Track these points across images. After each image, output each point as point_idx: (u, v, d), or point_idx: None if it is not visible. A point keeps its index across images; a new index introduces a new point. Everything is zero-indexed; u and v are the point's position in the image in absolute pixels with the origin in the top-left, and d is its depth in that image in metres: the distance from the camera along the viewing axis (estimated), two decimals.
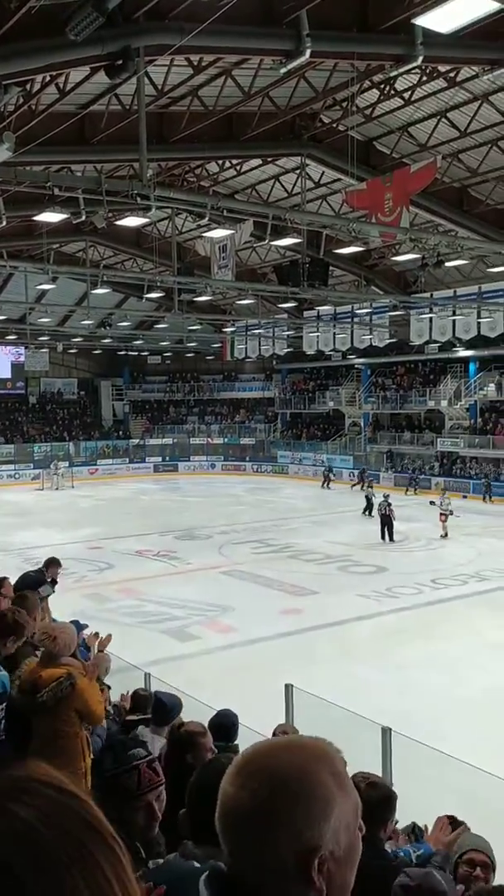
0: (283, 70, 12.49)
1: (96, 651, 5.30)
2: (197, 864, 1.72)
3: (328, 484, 34.92)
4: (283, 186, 24.92)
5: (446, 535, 21.48)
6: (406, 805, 4.03)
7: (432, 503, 23.47)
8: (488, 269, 25.26)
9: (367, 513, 25.34)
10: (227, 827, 1.01)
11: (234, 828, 1.00)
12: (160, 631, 12.84)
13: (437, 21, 7.81)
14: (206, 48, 13.01)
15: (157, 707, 4.49)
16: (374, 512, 23.37)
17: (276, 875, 0.98)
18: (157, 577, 17.09)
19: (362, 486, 30.52)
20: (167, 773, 3.11)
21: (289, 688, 6.07)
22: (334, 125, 20.20)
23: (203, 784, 2.08)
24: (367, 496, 26.10)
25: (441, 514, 21.66)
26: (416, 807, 4.10)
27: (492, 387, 34.52)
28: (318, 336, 35.25)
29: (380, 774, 4.98)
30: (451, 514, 21.53)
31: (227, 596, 15.24)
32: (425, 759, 5.46)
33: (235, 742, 4.17)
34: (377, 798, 3.04)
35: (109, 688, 5.74)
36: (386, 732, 5.02)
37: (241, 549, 20.29)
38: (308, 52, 11.50)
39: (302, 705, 6.11)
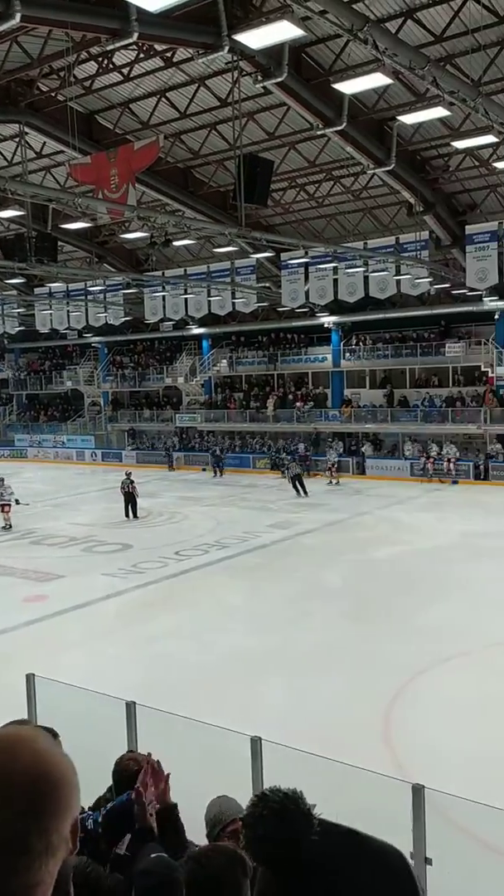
0: None
1: None
2: None
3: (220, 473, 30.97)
4: (1, 155, 23.62)
5: (9, 526, 19.93)
6: None
7: None
8: (214, 250, 26.22)
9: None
10: None
11: None
12: None
13: None
14: None
15: None
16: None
17: (52, 867, 1.00)
18: None
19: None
20: None
21: (30, 678, 5.91)
22: (53, 94, 19.54)
23: None
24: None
25: (3, 505, 19.94)
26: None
27: (224, 363, 36.11)
28: (51, 314, 34.15)
29: (125, 748, 5.08)
30: (17, 502, 20.18)
31: None
32: (171, 726, 5.65)
33: None
34: None
35: None
36: (130, 707, 5.13)
37: None
38: (18, 15, 10.98)
39: (47, 694, 5.99)
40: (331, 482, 26.75)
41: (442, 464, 26.81)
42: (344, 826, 1.45)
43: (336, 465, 27.51)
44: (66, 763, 1.05)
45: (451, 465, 26.61)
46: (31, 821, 0.98)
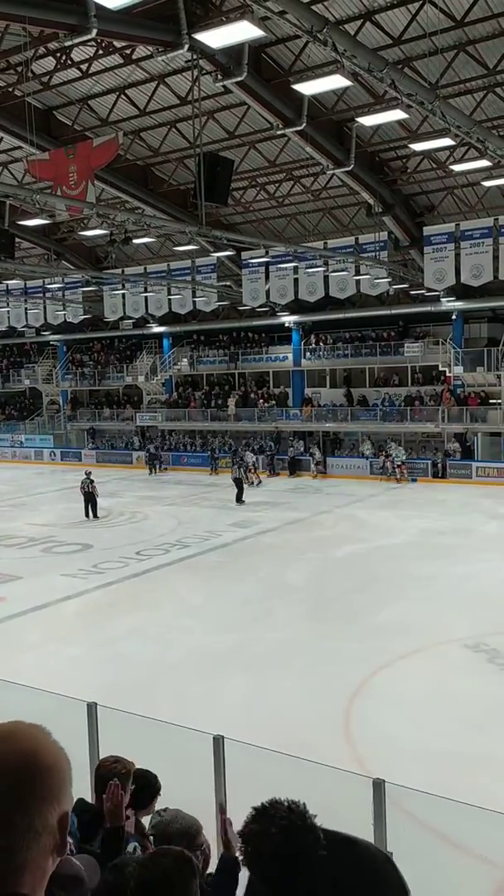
0: None
1: None
2: None
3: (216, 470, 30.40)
4: None
5: None
6: None
7: None
8: (175, 248, 26.14)
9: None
10: None
11: None
12: None
13: None
14: None
15: None
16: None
17: (35, 853, 1.02)
18: None
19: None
20: None
21: None
22: (10, 90, 19.26)
23: None
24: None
25: None
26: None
27: (185, 362, 36.01)
28: (8, 311, 33.70)
29: (87, 748, 5.06)
30: None
31: None
32: (134, 727, 5.64)
33: None
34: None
35: None
36: (91, 707, 5.10)
37: None
38: None
39: (4, 697, 5.92)
40: (252, 483, 25.65)
41: (394, 467, 26.93)
42: (340, 833, 1.44)
43: (254, 466, 27.18)
44: (60, 755, 1.10)
45: (403, 469, 26.72)
46: (16, 799, 1.02)
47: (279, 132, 18.49)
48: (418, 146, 18.50)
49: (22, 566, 15.90)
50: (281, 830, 1.38)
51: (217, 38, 9.88)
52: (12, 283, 31.74)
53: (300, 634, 11.13)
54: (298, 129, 17.72)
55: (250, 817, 1.44)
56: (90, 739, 5.00)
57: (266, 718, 7.92)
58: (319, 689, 8.98)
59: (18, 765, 1.04)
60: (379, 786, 3.91)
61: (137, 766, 3.71)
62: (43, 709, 6.08)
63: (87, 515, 21.03)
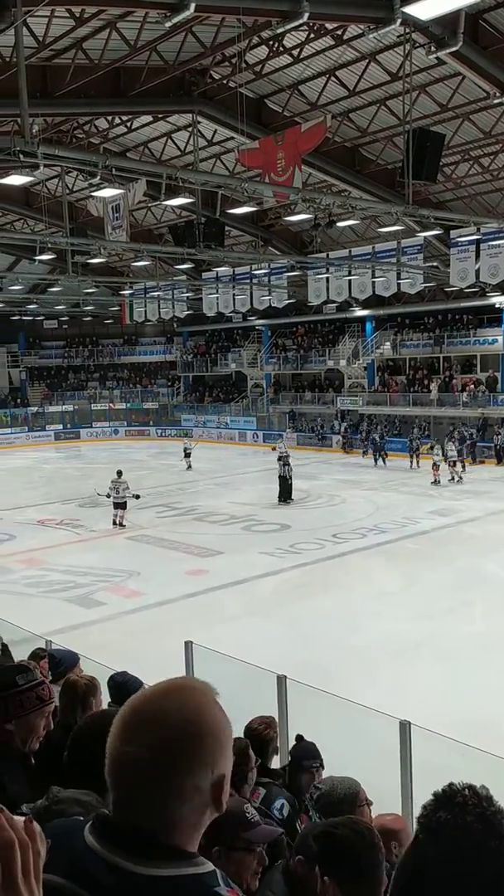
0: (168, 24, 12.21)
1: None
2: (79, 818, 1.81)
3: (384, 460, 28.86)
4: (175, 144, 24.49)
5: (123, 525, 18.40)
6: None
7: None
8: (380, 229, 25.72)
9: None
10: (121, 781, 1.07)
11: (129, 782, 1.05)
12: (64, 599, 12.74)
13: None
14: None
15: (50, 663, 4.53)
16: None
17: (187, 812, 1.04)
18: (61, 545, 16.88)
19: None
20: (58, 724, 3.17)
21: (188, 645, 6.21)
22: (225, 82, 19.97)
23: (91, 730, 2.14)
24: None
25: (119, 504, 18.47)
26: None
27: (387, 346, 35.45)
28: (217, 298, 35.07)
29: (276, 718, 5.21)
30: (137, 497, 18.80)
31: (133, 561, 15.24)
32: (321, 703, 5.72)
33: None
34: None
35: None
36: (281, 680, 5.24)
37: (147, 513, 20.22)
38: (192, 5, 11.32)
39: (203, 662, 6.25)
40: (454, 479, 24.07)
41: None
42: None
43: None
44: (218, 719, 1.09)
45: None
46: (171, 759, 1.03)
47: (496, 101, 17.51)
48: None
49: (223, 542, 16.64)
50: (479, 819, 1.12)
51: (427, 9, 9.49)
52: (221, 270, 32.99)
53: (500, 629, 10.62)
54: None
55: (433, 805, 1.18)
56: (279, 710, 5.15)
57: (458, 710, 7.66)
58: None
59: (179, 725, 1.05)
60: None
61: (321, 742, 3.76)
62: (236, 677, 6.35)
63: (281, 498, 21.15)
